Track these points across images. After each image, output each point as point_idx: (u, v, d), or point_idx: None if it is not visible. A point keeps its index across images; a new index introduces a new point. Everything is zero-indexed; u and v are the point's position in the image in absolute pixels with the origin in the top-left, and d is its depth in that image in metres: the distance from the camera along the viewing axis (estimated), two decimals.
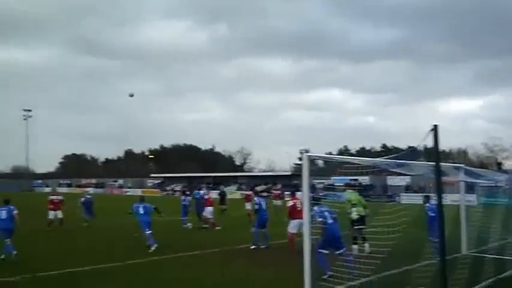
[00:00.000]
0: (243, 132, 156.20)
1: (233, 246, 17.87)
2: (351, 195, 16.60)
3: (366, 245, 15.19)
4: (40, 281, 12.28)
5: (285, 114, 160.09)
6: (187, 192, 30.42)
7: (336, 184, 60.66)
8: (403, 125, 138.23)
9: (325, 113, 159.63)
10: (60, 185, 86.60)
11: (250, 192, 32.88)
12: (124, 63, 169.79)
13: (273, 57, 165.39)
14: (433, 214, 14.29)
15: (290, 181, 76.98)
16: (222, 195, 40.90)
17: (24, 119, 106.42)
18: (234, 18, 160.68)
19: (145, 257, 15.58)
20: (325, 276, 11.29)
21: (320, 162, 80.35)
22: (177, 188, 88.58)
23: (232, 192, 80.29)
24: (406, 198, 53.30)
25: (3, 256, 15.18)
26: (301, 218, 12.76)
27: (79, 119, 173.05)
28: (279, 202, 34.55)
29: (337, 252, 12.02)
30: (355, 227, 15.68)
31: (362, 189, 67.09)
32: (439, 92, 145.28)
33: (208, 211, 25.31)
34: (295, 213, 15.96)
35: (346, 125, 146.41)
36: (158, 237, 17.58)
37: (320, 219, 12.16)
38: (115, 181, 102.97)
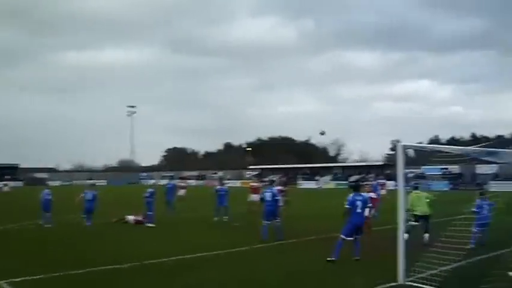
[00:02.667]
0: (336, 124, 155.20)
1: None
2: (417, 194, 16.58)
3: (426, 235, 15.50)
4: (149, 269, 12.65)
5: (375, 105, 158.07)
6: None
7: (427, 173, 59.50)
8: (490, 114, 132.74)
9: (414, 104, 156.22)
10: (163, 177, 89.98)
11: (257, 184, 29.61)
12: (218, 61, 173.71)
13: (360, 50, 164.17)
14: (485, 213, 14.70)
15: (383, 171, 76.01)
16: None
17: (128, 115, 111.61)
18: (319, 14, 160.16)
19: (244, 245, 16.16)
20: (329, 259, 12.67)
21: (411, 152, 78.64)
22: (274, 179, 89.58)
23: (327, 183, 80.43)
24: (495, 187, 51.29)
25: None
26: None
27: (179, 115, 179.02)
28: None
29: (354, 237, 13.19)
30: (414, 222, 15.94)
31: (452, 178, 65.61)
32: None
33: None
34: None
35: (435, 115, 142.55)
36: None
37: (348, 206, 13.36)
38: (215, 173, 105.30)
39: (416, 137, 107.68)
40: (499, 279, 9.09)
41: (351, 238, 13.31)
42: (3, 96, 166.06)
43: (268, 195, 17.51)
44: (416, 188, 16.96)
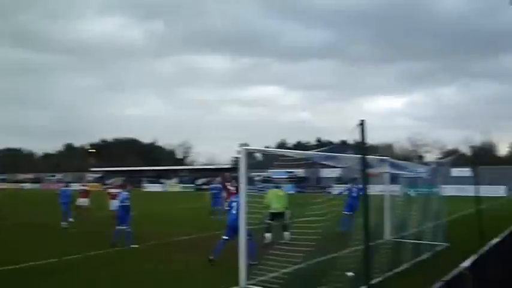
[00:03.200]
0: (185, 127, 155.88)
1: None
2: (276, 192, 17.12)
3: (286, 233, 16.01)
4: None
5: (224, 109, 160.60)
6: None
7: (274, 177, 61.69)
8: (335, 120, 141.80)
9: (263, 109, 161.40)
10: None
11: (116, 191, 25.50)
12: (62, 58, 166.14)
13: (210, 54, 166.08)
14: (354, 195, 17.87)
15: (230, 174, 77.19)
16: None
17: None
18: (170, 16, 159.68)
19: (81, 253, 15.32)
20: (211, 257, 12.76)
21: (258, 156, 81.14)
22: (118, 183, 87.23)
23: (174, 186, 79.92)
24: (338, 189, 54.48)
25: None
26: None
27: (15, 113, 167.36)
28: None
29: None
30: (269, 221, 16.37)
31: (297, 181, 68.71)
32: (367, 91, 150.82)
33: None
34: None
35: (283, 120, 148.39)
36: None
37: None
38: (52, 175, 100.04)
39: (265, 141, 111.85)
40: (338, 280, 9.33)
41: (227, 238, 13.25)
42: None
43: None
44: (277, 187, 17.69)
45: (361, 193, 15.43)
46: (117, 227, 16.58)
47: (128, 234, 16.37)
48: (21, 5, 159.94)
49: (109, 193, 25.84)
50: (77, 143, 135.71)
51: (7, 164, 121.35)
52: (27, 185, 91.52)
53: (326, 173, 69.28)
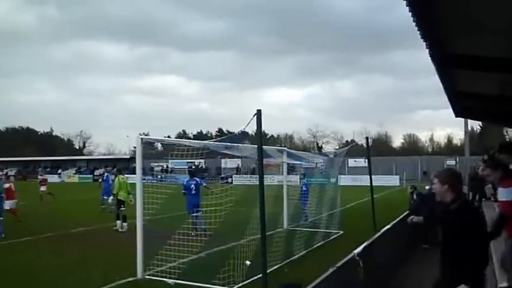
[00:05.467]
0: (82, 116, 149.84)
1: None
2: (118, 181, 18.13)
3: (124, 224, 17.19)
4: None
5: (123, 98, 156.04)
6: None
7: (174, 167, 61.07)
8: (235, 111, 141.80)
9: (163, 99, 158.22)
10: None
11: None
12: None
13: (106, 42, 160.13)
14: (305, 188, 17.28)
15: (129, 164, 75.64)
16: None
17: None
18: (62, 1, 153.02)
19: None
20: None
21: (159, 146, 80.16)
22: (11, 173, 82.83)
23: (71, 176, 77.08)
24: (238, 180, 54.85)
25: None
26: None
27: None
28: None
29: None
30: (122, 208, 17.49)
31: (197, 171, 68.49)
32: (266, 82, 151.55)
33: None
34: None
35: (183, 110, 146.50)
36: None
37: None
38: None
39: (165, 131, 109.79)
40: (235, 269, 9.31)
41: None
42: None
43: None
44: (120, 173, 18.84)
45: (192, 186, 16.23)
46: None
47: None
48: None
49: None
50: None
51: None
52: None
53: (226, 163, 69.61)
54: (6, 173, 72.80)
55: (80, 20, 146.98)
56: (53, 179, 76.28)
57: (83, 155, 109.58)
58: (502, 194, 6.80)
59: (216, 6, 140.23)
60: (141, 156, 10.42)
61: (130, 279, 10.08)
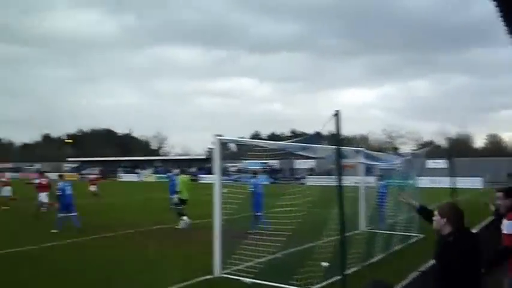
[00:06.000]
0: (159, 118, 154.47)
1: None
2: (181, 180, 18.45)
3: (183, 221, 17.51)
4: None
5: (198, 100, 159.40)
6: None
7: (248, 167, 61.55)
8: (307, 112, 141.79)
9: (235, 100, 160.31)
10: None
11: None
12: (37, 51, 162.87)
13: (181, 47, 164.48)
14: (383, 190, 16.49)
15: (205, 164, 76.86)
16: None
17: None
18: (140, 9, 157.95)
19: (60, 240, 15.00)
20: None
21: (233, 147, 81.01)
22: (94, 172, 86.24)
23: (148, 176, 79.22)
24: (312, 181, 54.48)
25: None
26: None
27: None
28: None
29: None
30: (179, 207, 17.96)
31: (271, 172, 68.66)
32: (338, 83, 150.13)
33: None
34: None
35: (256, 111, 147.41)
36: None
37: None
38: (31, 165, 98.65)
39: (238, 133, 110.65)
40: (313, 270, 9.19)
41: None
42: None
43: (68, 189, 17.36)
44: (183, 173, 19.51)
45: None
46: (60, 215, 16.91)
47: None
48: None
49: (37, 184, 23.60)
50: (54, 134, 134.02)
51: None
52: (8, 174, 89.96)
53: (300, 164, 69.33)
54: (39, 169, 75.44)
55: (156, 26, 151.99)
56: (131, 178, 79.04)
57: (160, 155, 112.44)
58: (508, 227, 6.04)
59: (288, 8, 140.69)
60: (219, 156, 10.48)
61: (208, 277, 10.16)
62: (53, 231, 16.32)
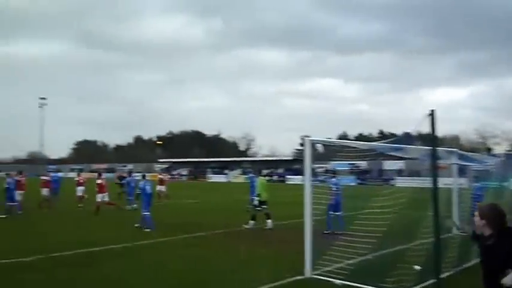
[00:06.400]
0: (246, 119, 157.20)
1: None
2: (260, 182, 18.46)
3: (269, 221, 17.69)
4: (55, 261, 12.08)
5: (284, 101, 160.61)
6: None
7: (335, 168, 60.91)
8: (395, 112, 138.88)
9: (321, 101, 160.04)
10: (72, 170, 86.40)
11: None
12: (129, 56, 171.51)
13: (267, 48, 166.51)
14: (479, 193, 16.11)
15: (292, 165, 77.03)
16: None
17: (40, 107, 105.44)
18: (227, 13, 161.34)
19: (150, 239, 15.55)
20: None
21: (320, 147, 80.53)
22: (183, 173, 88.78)
23: (237, 177, 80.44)
24: (401, 182, 53.19)
25: None
26: None
27: (91, 108, 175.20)
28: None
29: None
30: (258, 208, 18.01)
31: (359, 173, 67.57)
32: (426, 82, 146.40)
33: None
34: None
35: (342, 112, 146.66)
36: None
37: None
38: (124, 166, 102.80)
39: (325, 133, 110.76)
40: (405, 273, 9.00)
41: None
42: None
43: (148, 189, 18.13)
44: (264, 176, 19.46)
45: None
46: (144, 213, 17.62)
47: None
48: (89, 8, 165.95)
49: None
50: (146, 136, 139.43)
51: (84, 154, 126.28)
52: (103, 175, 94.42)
53: (389, 165, 67.78)
54: (179, 173, 77.91)
55: (242, 30, 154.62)
56: (219, 178, 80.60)
57: (248, 156, 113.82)
58: None
59: (372, 8, 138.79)
60: (309, 157, 10.47)
61: (298, 277, 10.15)
62: (146, 229, 16.98)
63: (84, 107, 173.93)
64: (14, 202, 22.46)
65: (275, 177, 74.49)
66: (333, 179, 17.24)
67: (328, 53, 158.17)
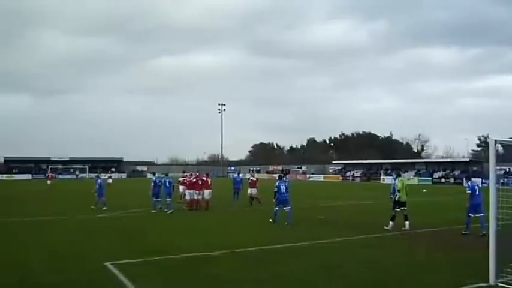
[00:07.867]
0: (418, 120, 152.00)
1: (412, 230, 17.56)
2: (399, 182, 17.83)
3: (407, 223, 17.46)
4: (239, 257, 12.75)
5: (457, 101, 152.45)
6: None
7: None
8: None
9: (499, 100, 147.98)
10: (249, 171, 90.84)
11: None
12: (299, 62, 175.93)
13: (435, 47, 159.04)
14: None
15: (468, 168, 72.83)
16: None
17: (219, 113, 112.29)
18: (391, 13, 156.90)
19: (329, 238, 15.76)
20: None
21: (500, 148, 74.90)
22: (356, 174, 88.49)
23: (410, 179, 78.08)
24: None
25: None
26: None
27: (265, 112, 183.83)
28: None
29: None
30: (397, 209, 17.60)
31: None
32: None
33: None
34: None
35: None
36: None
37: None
38: (299, 167, 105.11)
39: (503, 134, 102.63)
40: None
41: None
42: (110, 98, 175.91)
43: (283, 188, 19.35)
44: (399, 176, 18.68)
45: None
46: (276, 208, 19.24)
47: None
48: (259, 20, 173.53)
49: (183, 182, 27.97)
50: (319, 138, 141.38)
51: (261, 156, 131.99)
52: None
53: None
54: (352, 174, 77.66)
55: (409, 29, 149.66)
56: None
57: (421, 158, 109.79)
58: None
59: None
60: (493, 158, 10.01)
61: (482, 284, 9.63)
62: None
63: (259, 112, 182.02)
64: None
65: (451, 180, 70.92)
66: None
67: (503, 48, 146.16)
